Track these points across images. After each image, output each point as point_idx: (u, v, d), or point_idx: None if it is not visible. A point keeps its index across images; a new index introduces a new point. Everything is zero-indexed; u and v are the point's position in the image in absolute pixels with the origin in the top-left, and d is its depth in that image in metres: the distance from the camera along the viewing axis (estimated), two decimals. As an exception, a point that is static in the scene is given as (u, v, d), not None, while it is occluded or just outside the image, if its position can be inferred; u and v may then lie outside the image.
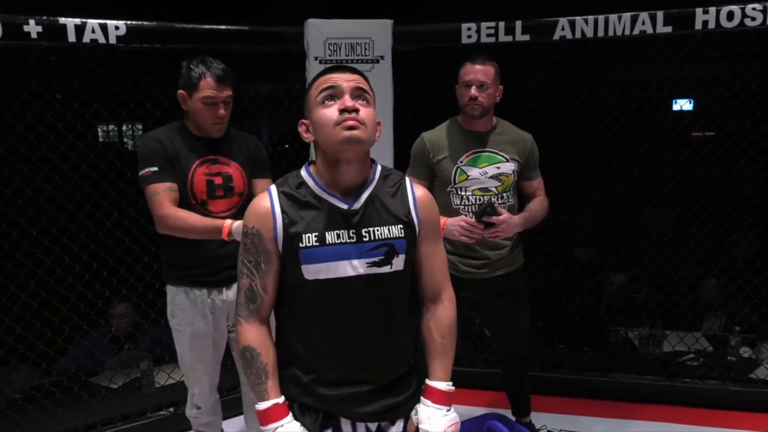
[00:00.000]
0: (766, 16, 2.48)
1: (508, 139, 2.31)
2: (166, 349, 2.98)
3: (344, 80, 1.29)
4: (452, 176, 2.26)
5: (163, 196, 1.97)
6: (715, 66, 2.91)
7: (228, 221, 1.92)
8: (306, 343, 1.35)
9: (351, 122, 1.25)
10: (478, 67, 2.21)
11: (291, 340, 1.36)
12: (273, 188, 1.35)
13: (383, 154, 2.98)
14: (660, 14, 2.59)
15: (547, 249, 3.63)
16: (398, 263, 1.33)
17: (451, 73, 2.32)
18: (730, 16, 2.52)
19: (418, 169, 2.34)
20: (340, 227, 1.30)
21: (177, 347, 2.18)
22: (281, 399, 1.33)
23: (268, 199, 1.32)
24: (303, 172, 1.35)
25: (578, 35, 2.68)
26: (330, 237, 1.29)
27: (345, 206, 1.31)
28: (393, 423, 1.40)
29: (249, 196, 2.13)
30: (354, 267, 1.30)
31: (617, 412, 2.90)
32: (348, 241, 1.30)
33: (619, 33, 2.65)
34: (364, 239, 1.31)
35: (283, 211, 1.30)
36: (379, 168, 1.39)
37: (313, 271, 1.30)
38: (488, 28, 2.77)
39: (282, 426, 1.31)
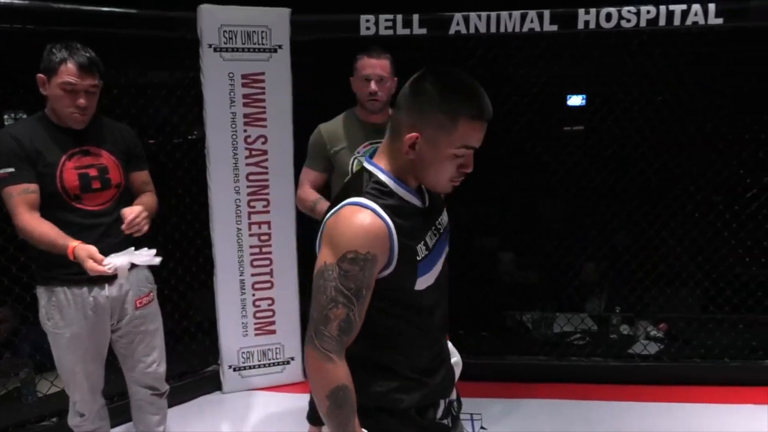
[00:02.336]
0: (639, 19, 2.69)
1: (405, 130, 2.33)
2: (48, 356, 2.76)
3: (478, 141, 1.22)
4: (350, 167, 2.26)
5: (17, 200, 1.86)
6: (605, 63, 3.11)
7: (74, 243, 1.83)
8: (409, 352, 1.29)
9: (458, 183, 1.26)
10: (375, 61, 2.21)
11: (390, 358, 1.28)
12: (372, 204, 1.18)
13: (283, 147, 2.93)
14: (546, 13, 2.73)
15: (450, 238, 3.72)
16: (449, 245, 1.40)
17: (348, 63, 2.32)
18: (609, 17, 2.71)
19: (316, 160, 2.32)
20: (429, 227, 1.28)
21: (54, 352, 2.05)
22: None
23: (378, 217, 1.17)
24: (383, 177, 1.23)
25: (472, 30, 2.77)
26: (430, 241, 1.27)
27: (422, 206, 1.29)
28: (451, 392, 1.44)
29: (127, 188, 2.06)
30: (442, 262, 1.33)
31: (512, 392, 3.04)
32: (436, 238, 1.30)
33: (510, 30, 2.76)
34: (440, 231, 1.33)
35: (397, 227, 1.18)
36: None
37: (425, 280, 1.25)
38: (386, 20, 2.79)
39: None
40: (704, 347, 3.18)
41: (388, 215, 1.18)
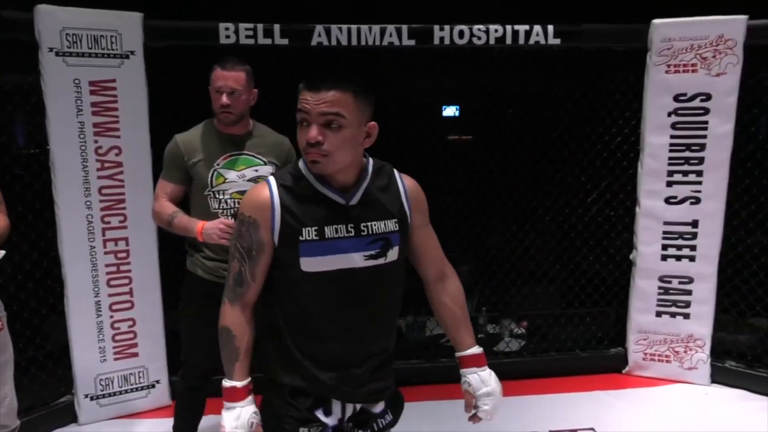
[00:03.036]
0: (488, 37, 2.88)
1: (266, 142, 2.31)
2: None
3: (314, 103, 1.27)
4: (209, 179, 2.19)
5: None
6: (477, 77, 3.28)
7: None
8: (299, 333, 1.39)
9: (313, 156, 1.29)
10: (227, 73, 2.15)
11: (283, 329, 1.39)
12: (272, 180, 1.36)
13: (139, 159, 2.78)
14: (404, 28, 2.84)
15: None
16: (392, 254, 1.40)
17: (209, 72, 2.25)
18: (461, 34, 2.87)
19: (172, 172, 2.22)
20: (338, 222, 1.34)
21: None
22: (244, 383, 1.39)
23: (268, 191, 1.34)
24: (301, 166, 1.37)
25: (334, 42, 2.80)
26: (329, 231, 1.33)
27: (343, 201, 1.35)
28: (377, 402, 1.47)
29: None
30: (352, 260, 1.35)
31: (385, 397, 3.10)
32: (346, 235, 1.34)
33: (370, 43, 2.83)
34: (363, 233, 1.36)
35: (282, 204, 1.33)
36: (371, 162, 1.43)
37: (311, 264, 1.33)
38: (247, 29, 2.75)
39: (236, 408, 1.36)
40: (559, 341, 3.45)
41: (281, 192, 1.34)
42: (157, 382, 2.97)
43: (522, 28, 2.87)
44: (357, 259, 1.36)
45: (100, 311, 2.81)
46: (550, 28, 2.89)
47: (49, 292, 2.80)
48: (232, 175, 2.21)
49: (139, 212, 2.78)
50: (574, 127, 3.37)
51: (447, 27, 2.83)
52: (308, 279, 1.35)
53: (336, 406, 1.43)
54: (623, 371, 3.35)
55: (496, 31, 2.86)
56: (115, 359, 2.87)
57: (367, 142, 1.36)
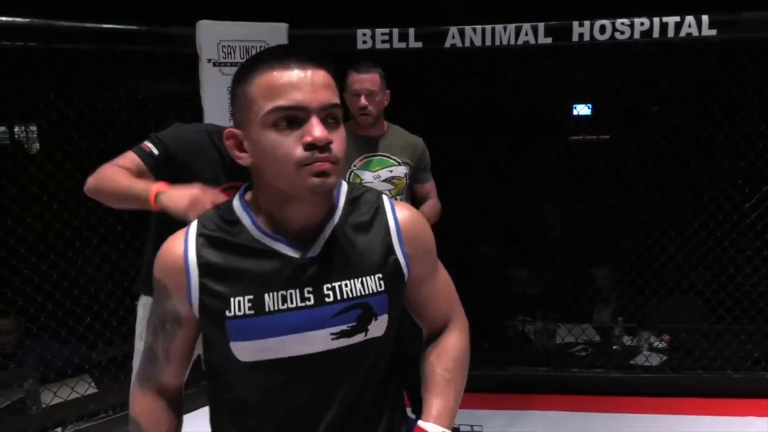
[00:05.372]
0: (633, 31, 2.70)
1: (400, 143, 2.36)
2: (50, 367, 2.81)
3: (310, 90, 0.87)
4: (347, 180, 2.28)
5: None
6: (609, 73, 3.13)
7: (155, 186, 1.41)
8: (234, 426, 1.02)
9: (323, 166, 0.88)
10: (364, 76, 2.24)
11: (225, 423, 1.03)
12: (192, 227, 0.96)
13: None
14: (541, 26, 2.75)
15: (454, 247, 3.74)
16: (377, 328, 0.97)
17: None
18: (603, 29, 2.72)
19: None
20: (288, 286, 0.93)
21: None
22: None
23: (182, 243, 0.94)
24: (236, 205, 0.97)
25: (467, 44, 2.79)
26: (271, 301, 0.92)
27: (297, 254, 0.94)
28: None
29: None
30: (310, 342, 0.93)
31: (512, 403, 3.03)
32: (301, 305, 0.93)
33: (505, 42, 2.78)
34: (327, 300, 0.94)
35: (200, 264, 0.93)
36: (343, 189, 1.01)
37: (245, 352, 0.93)
38: (383, 34, 2.82)
39: None
40: (706, 358, 3.16)
41: (200, 245, 0.94)
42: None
43: (672, 20, 2.66)
44: (319, 340, 0.94)
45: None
46: (705, 18, 2.64)
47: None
48: (367, 176, 2.29)
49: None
50: (728, 126, 3.07)
51: (587, 22, 2.70)
52: (243, 368, 0.95)
53: None
54: (785, 398, 2.99)
55: (642, 24, 2.68)
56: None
57: None
